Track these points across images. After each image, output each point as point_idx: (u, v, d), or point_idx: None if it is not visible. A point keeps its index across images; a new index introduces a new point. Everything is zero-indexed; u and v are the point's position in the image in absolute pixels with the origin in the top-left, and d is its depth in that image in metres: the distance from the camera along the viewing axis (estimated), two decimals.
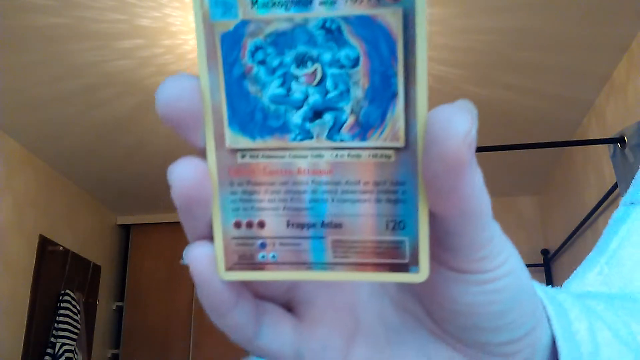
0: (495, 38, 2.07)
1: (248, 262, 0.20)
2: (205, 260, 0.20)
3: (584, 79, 2.34)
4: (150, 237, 3.82)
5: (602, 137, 2.32)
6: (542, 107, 2.54)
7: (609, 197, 2.36)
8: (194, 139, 0.19)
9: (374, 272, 0.19)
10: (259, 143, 0.19)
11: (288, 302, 0.23)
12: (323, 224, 0.19)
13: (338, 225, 0.19)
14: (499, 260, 0.20)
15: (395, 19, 0.17)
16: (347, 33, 0.18)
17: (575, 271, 0.41)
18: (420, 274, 0.19)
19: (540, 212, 3.53)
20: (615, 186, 2.19)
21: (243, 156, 0.19)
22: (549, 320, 0.23)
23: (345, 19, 0.18)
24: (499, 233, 0.20)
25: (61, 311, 2.96)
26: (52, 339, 2.90)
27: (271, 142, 0.19)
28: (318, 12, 0.18)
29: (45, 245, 2.97)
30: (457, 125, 0.17)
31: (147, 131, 2.73)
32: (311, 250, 0.20)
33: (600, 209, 2.49)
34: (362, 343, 0.23)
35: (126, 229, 3.91)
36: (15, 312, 2.72)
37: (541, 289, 0.24)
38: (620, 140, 2.05)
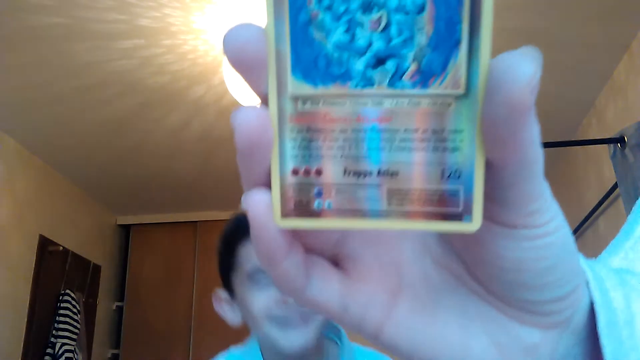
0: (495, 38, 2.07)
1: (304, 209, 0.20)
2: (262, 206, 0.20)
3: (584, 79, 2.34)
4: (150, 237, 3.81)
5: (602, 137, 2.32)
6: (542, 107, 2.54)
7: (609, 197, 2.35)
8: (258, 85, 0.19)
9: (428, 221, 0.20)
10: (320, 90, 0.19)
11: (334, 257, 0.23)
12: (379, 172, 0.19)
13: (394, 174, 0.19)
14: (548, 216, 0.20)
15: None
16: None
17: (599, 255, 0.41)
18: (474, 224, 0.19)
19: None
20: (615, 186, 2.19)
21: (304, 103, 0.19)
22: (587, 284, 0.23)
23: None
24: (548, 190, 0.20)
25: (61, 311, 2.96)
26: (52, 339, 2.90)
27: (333, 89, 0.19)
28: None
29: (45, 245, 2.97)
30: (522, 69, 0.17)
31: (147, 131, 2.73)
32: (367, 199, 0.20)
33: (600, 209, 2.49)
34: (405, 300, 0.23)
35: (126, 229, 3.91)
36: (15, 312, 2.72)
37: (580, 256, 0.25)
38: (620, 140, 2.05)
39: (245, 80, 0.19)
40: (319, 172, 0.20)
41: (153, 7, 1.92)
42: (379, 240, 0.23)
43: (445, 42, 0.18)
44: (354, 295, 0.23)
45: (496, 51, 0.18)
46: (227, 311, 0.90)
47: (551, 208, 0.20)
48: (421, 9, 0.18)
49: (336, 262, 0.23)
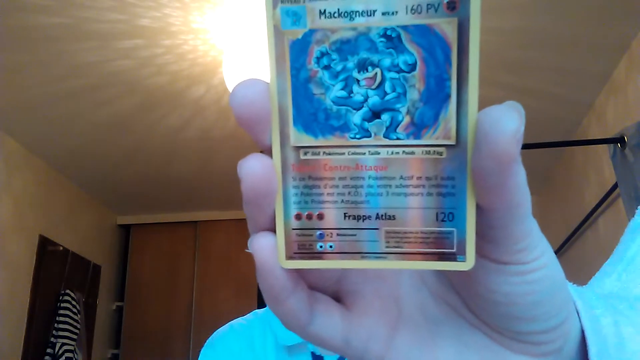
0: (495, 38, 2.07)
1: (307, 251, 0.22)
2: (268, 249, 0.21)
3: (584, 79, 2.34)
4: (150, 237, 3.81)
5: (602, 137, 2.32)
6: (542, 107, 2.54)
7: (609, 197, 2.36)
8: (262, 137, 0.21)
9: (424, 261, 0.21)
10: (321, 141, 0.21)
11: (336, 292, 0.25)
12: (377, 216, 0.21)
13: (391, 217, 0.21)
14: (537, 253, 0.21)
15: (451, 27, 0.19)
16: (406, 40, 0.19)
17: (592, 278, 0.42)
18: (467, 263, 0.21)
19: (540, 212, 3.53)
20: (615, 186, 2.19)
21: (306, 153, 0.21)
22: (578, 313, 0.25)
23: (405, 27, 0.19)
24: (537, 227, 0.22)
25: (61, 311, 2.96)
26: (52, 339, 2.90)
27: (332, 140, 0.21)
28: (380, 21, 0.19)
29: (45, 245, 2.97)
30: (507, 123, 0.18)
31: (147, 131, 2.73)
32: (366, 241, 0.21)
33: (600, 209, 2.49)
34: (404, 332, 0.24)
35: (126, 229, 3.91)
36: (15, 312, 2.72)
37: (570, 285, 0.26)
38: (620, 140, 2.05)
39: (250, 133, 0.21)
40: (320, 217, 0.21)
41: (153, 7, 1.92)
42: (379, 275, 0.25)
43: (435, 96, 0.20)
44: (355, 330, 0.24)
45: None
46: None
47: (540, 244, 0.21)
48: (413, 68, 0.20)
49: (338, 297, 0.25)
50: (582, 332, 0.25)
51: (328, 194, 0.21)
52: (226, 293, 3.56)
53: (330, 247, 0.21)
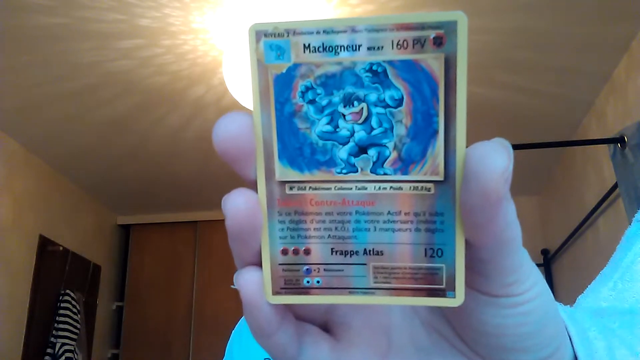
0: (495, 38, 2.07)
1: (294, 286, 0.21)
2: (254, 285, 0.21)
3: (584, 79, 2.34)
4: (150, 237, 3.81)
5: (602, 137, 2.32)
6: (542, 107, 2.54)
7: (609, 197, 2.36)
8: (247, 172, 0.21)
9: (413, 297, 0.21)
10: (306, 176, 0.20)
11: (325, 324, 0.24)
12: (365, 252, 0.21)
13: (379, 253, 0.21)
14: (528, 285, 0.21)
15: (438, 63, 0.19)
16: (392, 76, 0.19)
17: (589, 286, 0.42)
18: (457, 299, 0.20)
19: (540, 212, 3.53)
20: (615, 186, 2.19)
21: (291, 188, 0.21)
22: (570, 339, 0.24)
23: (391, 62, 0.19)
24: (528, 259, 0.21)
25: (61, 311, 2.96)
26: (52, 339, 2.90)
27: (318, 175, 0.20)
28: (365, 56, 0.19)
29: (45, 245, 2.97)
30: (495, 161, 0.18)
31: (147, 131, 2.73)
32: (353, 276, 0.21)
33: (600, 209, 2.49)
34: None
35: (126, 229, 3.91)
36: (15, 312, 2.72)
37: (561, 308, 0.26)
38: (620, 140, 2.05)
39: (234, 167, 0.20)
40: (307, 252, 0.21)
41: (153, 7, 1.92)
42: (369, 306, 0.24)
43: (423, 132, 0.19)
44: None
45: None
46: None
47: (531, 276, 0.21)
48: (399, 103, 0.19)
49: (327, 328, 0.24)
50: (576, 358, 0.24)
51: (315, 229, 0.21)
52: (226, 293, 3.56)
53: (318, 282, 0.21)
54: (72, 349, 2.94)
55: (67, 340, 2.92)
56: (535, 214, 3.55)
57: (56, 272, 3.05)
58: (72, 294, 3.05)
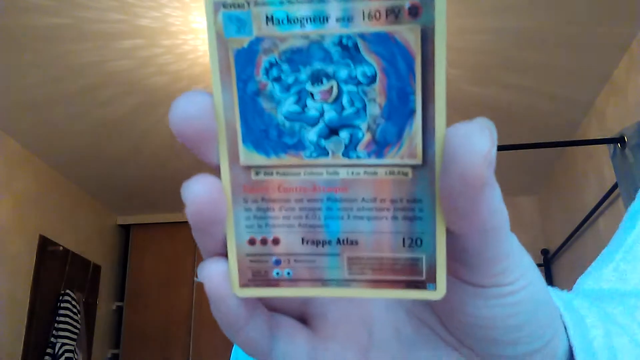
0: (495, 38, 2.07)
1: (262, 278, 0.20)
2: (219, 277, 0.19)
3: (584, 79, 2.34)
4: (150, 237, 3.82)
5: (602, 137, 2.33)
6: (542, 107, 2.54)
7: (609, 197, 2.36)
8: (208, 156, 0.19)
9: (390, 289, 0.19)
10: (273, 160, 0.19)
11: (302, 315, 0.23)
12: (338, 241, 0.19)
13: (354, 242, 0.19)
14: (517, 274, 0.20)
15: (414, 35, 0.17)
16: (364, 50, 0.17)
17: (590, 266, 0.40)
18: (438, 292, 0.19)
19: (540, 212, 3.53)
20: (615, 186, 2.19)
21: (257, 173, 0.19)
22: (566, 329, 0.23)
23: (362, 35, 0.17)
24: (517, 246, 0.20)
25: (61, 311, 2.96)
26: (52, 339, 2.90)
27: (286, 159, 0.19)
28: (334, 28, 0.17)
29: (45, 245, 2.97)
30: (477, 143, 0.16)
31: (148, 131, 2.73)
32: (326, 267, 0.19)
33: (600, 209, 2.49)
34: (376, 357, 0.23)
35: (126, 229, 3.91)
36: (15, 312, 2.72)
37: (557, 295, 0.24)
38: (620, 140, 2.05)
39: (195, 152, 0.19)
40: (276, 242, 0.19)
41: (153, 7, 1.92)
42: (345, 298, 0.23)
43: (399, 112, 0.18)
44: (322, 355, 0.22)
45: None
46: None
47: (520, 264, 0.20)
48: (372, 80, 0.18)
49: (304, 320, 0.23)
50: (571, 348, 0.23)
51: (283, 217, 0.19)
52: None
53: (288, 273, 0.20)
54: (72, 349, 2.94)
55: (67, 340, 2.92)
56: (535, 214, 3.55)
57: (56, 272, 3.05)
58: (72, 294, 3.05)
